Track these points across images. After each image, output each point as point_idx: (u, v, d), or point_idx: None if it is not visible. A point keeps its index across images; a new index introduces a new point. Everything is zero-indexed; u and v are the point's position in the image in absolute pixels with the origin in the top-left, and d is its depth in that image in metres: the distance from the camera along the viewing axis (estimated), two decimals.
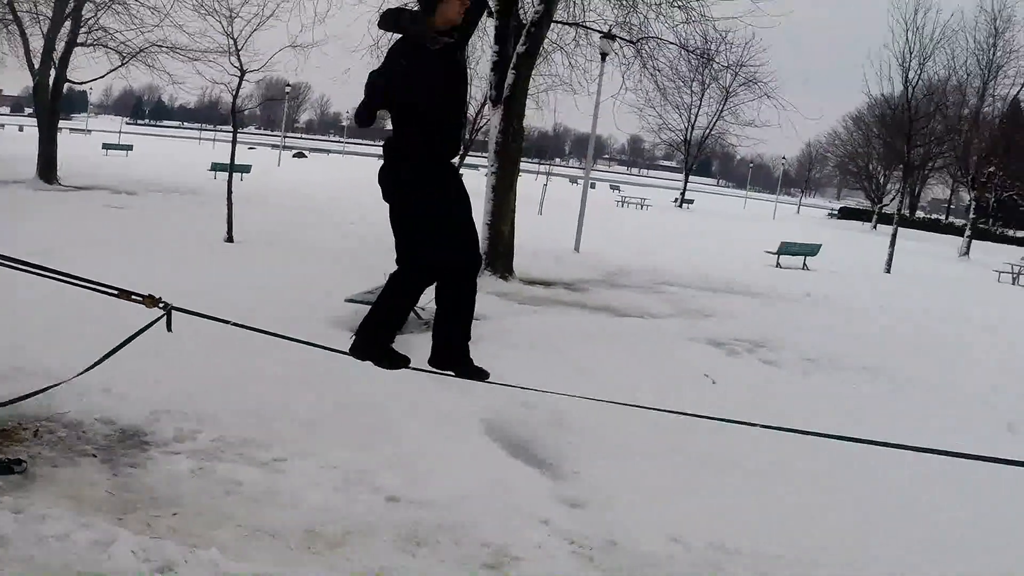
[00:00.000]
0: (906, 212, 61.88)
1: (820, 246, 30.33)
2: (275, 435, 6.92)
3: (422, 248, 4.88)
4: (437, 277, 5.00)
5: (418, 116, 4.74)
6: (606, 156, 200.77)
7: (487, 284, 15.02)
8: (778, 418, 6.39)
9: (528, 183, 55.47)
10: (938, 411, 10.30)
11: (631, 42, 21.54)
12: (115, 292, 5.13)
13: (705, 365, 11.24)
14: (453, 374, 5.23)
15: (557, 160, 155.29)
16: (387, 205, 4.97)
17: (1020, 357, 14.87)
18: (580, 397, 5.80)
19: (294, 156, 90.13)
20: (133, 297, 5.11)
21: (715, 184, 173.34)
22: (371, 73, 4.69)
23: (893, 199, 53.72)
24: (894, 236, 32.31)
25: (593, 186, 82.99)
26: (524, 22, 17.47)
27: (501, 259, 17.15)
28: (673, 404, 6.17)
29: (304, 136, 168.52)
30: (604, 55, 22.75)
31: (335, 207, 29.80)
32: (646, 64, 21.96)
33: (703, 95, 68.87)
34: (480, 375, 5.19)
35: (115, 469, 6.00)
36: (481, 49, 20.52)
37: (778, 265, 28.14)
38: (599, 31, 21.99)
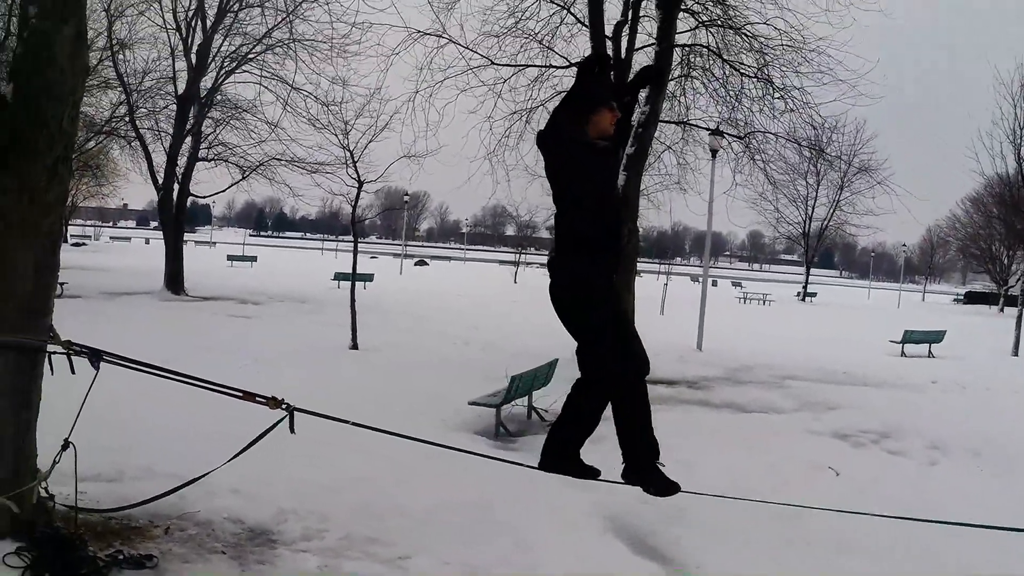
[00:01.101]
0: None
1: (944, 332, 29.56)
2: (396, 533, 7.03)
3: (609, 360, 4.88)
4: (623, 385, 4.98)
5: (583, 209, 4.80)
6: (727, 253, 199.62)
7: None
8: (901, 508, 6.27)
9: (649, 283, 55.46)
10: None
11: (739, 137, 21.64)
12: (240, 395, 5.37)
13: (829, 458, 11.05)
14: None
15: (677, 259, 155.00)
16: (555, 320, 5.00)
17: None
18: (698, 493, 5.64)
19: (416, 264, 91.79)
20: (257, 399, 5.33)
21: (838, 275, 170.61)
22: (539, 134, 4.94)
23: (1019, 280, 51.92)
24: (1019, 317, 31.25)
25: (715, 283, 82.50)
26: (632, 123, 17.70)
27: None
28: (796, 497, 6.10)
29: (425, 244, 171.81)
30: (714, 152, 22.93)
31: (456, 315, 30.03)
32: (754, 157, 22.02)
33: (818, 186, 68.31)
34: (591, 473, 5.14)
35: (244, 566, 6.16)
36: None
37: (903, 354, 27.49)
38: (706, 128, 22.18)
